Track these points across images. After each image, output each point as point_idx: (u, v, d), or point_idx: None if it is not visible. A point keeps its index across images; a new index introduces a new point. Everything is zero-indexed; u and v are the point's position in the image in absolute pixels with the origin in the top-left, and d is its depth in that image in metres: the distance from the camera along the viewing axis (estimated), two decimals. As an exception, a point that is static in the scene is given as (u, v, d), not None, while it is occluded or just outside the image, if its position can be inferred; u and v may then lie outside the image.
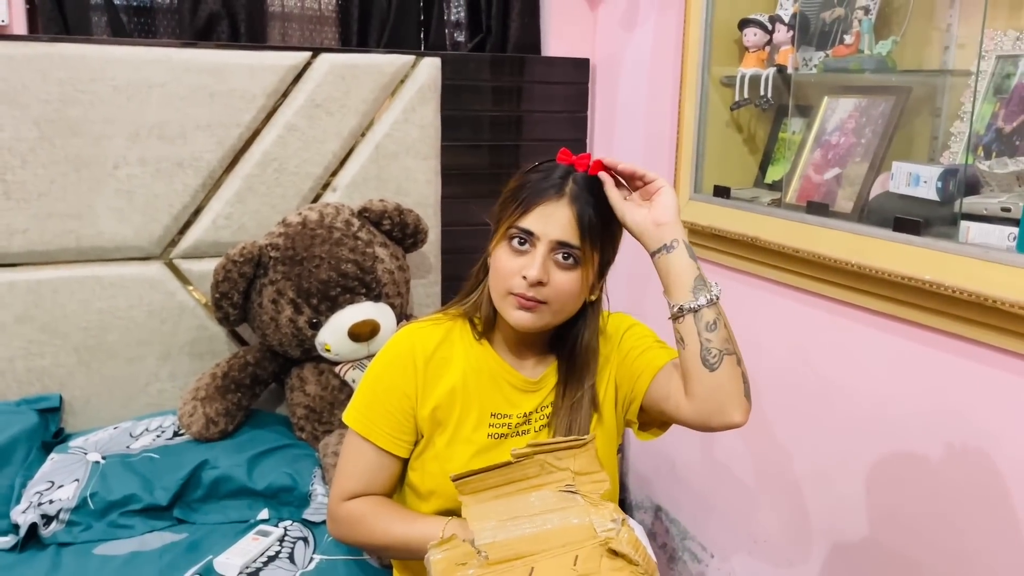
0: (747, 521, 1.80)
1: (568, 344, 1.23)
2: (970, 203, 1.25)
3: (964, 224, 1.24)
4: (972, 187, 1.27)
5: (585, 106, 2.34)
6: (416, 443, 1.22)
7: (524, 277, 1.12)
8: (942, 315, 1.29)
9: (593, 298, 1.20)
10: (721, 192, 1.77)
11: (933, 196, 1.29)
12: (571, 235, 1.12)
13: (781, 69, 1.65)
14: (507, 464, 1.04)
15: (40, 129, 1.78)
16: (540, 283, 1.12)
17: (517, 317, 1.15)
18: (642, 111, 2.12)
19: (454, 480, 1.04)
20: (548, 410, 1.23)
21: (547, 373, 1.25)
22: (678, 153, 1.85)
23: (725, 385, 1.11)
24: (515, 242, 1.14)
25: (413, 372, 1.21)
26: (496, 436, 1.21)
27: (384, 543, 1.19)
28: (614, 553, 0.99)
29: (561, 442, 1.07)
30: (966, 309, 1.24)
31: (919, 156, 1.41)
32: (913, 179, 1.32)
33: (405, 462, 1.24)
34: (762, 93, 1.69)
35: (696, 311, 1.11)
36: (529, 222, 1.13)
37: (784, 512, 1.69)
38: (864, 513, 1.49)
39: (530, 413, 1.23)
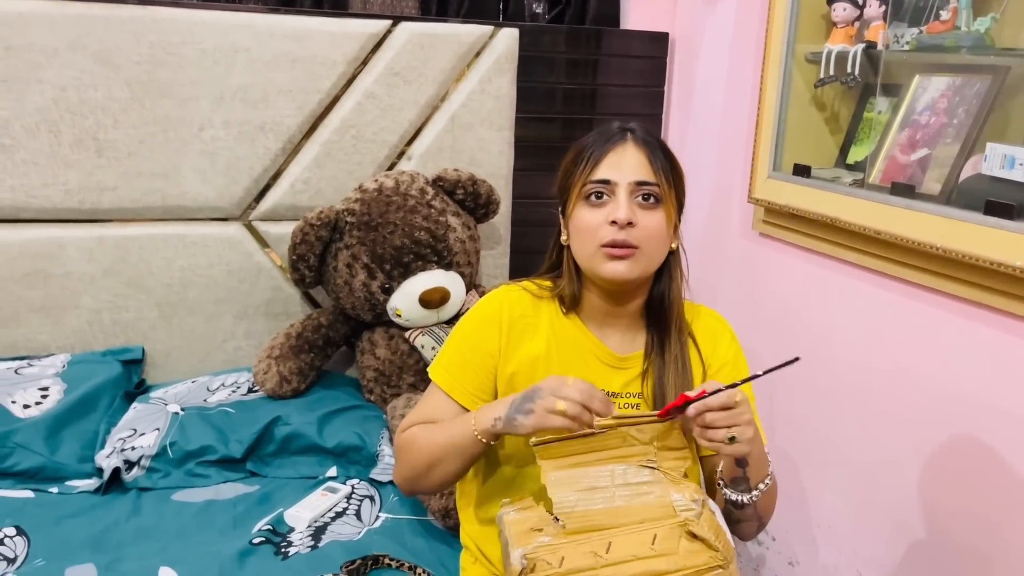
0: (811, 506, 1.78)
1: (656, 303, 1.24)
2: (1069, 188, 1.20)
3: (1062, 210, 1.20)
4: (1072, 172, 1.22)
5: (662, 81, 2.31)
6: None
7: (613, 222, 1.13)
8: (1032, 304, 1.25)
9: (674, 247, 1.22)
10: (801, 171, 1.73)
11: (1029, 180, 1.24)
12: (647, 173, 1.15)
13: (870, 46, 1.60)
14: (589, 433, 1.04)
15: (131, 90, 1.84)
16: (630, 224, 1.13)
17: (612, 270, 1.15)
18: (721, 87, 2.09)
19: (534, 445, 1.05)
20: (635, 399, 1.23)
21: (635, 355, 1.25)
22: (758, 130, 1.81)
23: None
24: (593, 197, 1.16)
25: (498, 331, 1.23)
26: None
27: (434, 454, 1.17)
28: (693, 535, 0.98)
29: (645, 416, 1.06)
30: (1059, 298, 1.20)
31: (1015, 138, 1.36)
32: (1008, 161, 1.27)
33: None
34: (848, 70, 1.64)
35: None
36: (603, 172, 1.15)
37: (851, 499, 1.66)
38: (936, 504, 1.46)
39: (616, 395, 1.23)
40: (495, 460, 1.25)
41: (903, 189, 1.46)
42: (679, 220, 1.21)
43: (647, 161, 1.15)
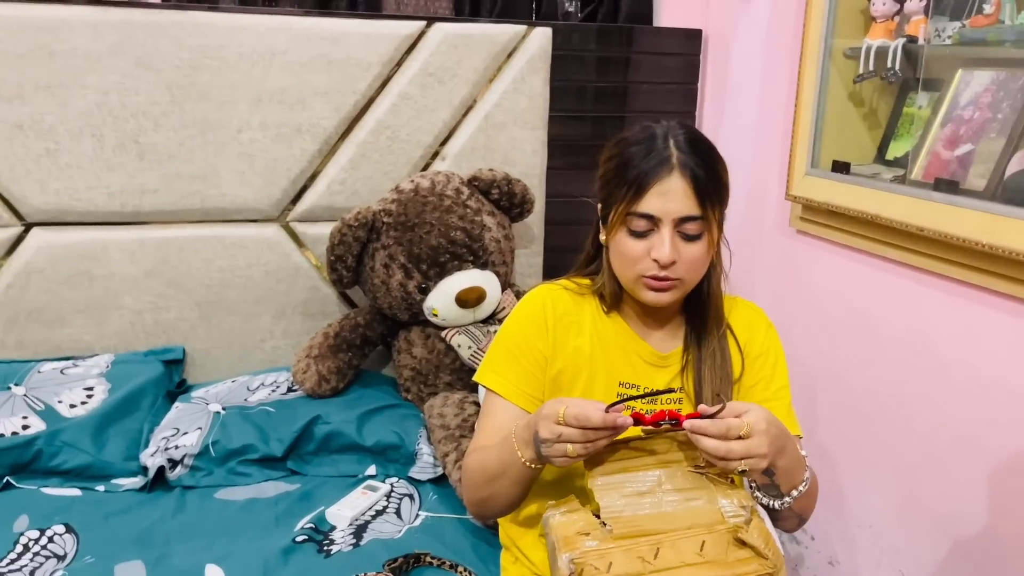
0: (852, 505, 1.77)
1: (696, 298, 1.24)
2: (1120, 183, 1.18)
3: (1112, 205, 1.18)
4: (1122, 166, 1.20)
5: (696, 78, 2.30)
6: None
7: (655, 260, 1.12)
8: (1082, 300, 1.23)
9: (716, 249, 1.21)
10: (840, 168, 1.72)
11: (1078, 175, 1.22)
12: (692, 207, 1.12)
13: (911, 40, 1.59)
14: (636, 439, 1.04)
15: (171, 94, 1.87)
16: (672, 262, 1.13)
17: (653, 298, 1.16)
18: (756, 83, 2.07)
19: None
20: (677, 395, 1.23)
21: (676, 351, 1.25)
22: (795, 127, 1.80)
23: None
24: (637, 228, 1.14)
25: (545, 329, 1.23)
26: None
27: (490, 481, 1.17)
28: (742, 543, 0.98)
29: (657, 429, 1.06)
30: (1110, 295, 1.18)
31: (1062, 133, 1.34)
32: (1056, 157, 1.25)
33: None
34: (888, 65, 1.62)
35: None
36: (647, 205, 1.12)
37: (893, 497, 1.65)
38: (981, 502, 1.44)
39: (659, 392, 1.23)
40: None
41: (946, 185, 1.45)
42: (722, 224, 1.19)
43: (693, 193, 1.11)
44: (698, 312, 1.24)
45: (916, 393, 1.58)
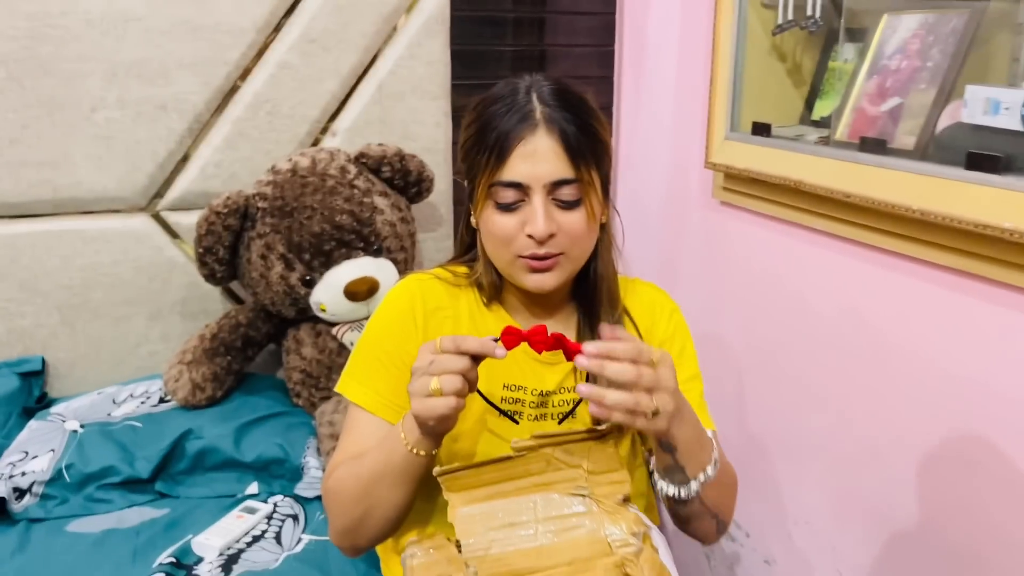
0: (788, 500, 1.62)
1: (585, 282, 1.07)
2: (1064, 134, 1.03)
3: (1056, 160, 1.03)
4: (1066, 115, 1.04)
5: (612, 39, 2.12)
6: None
7: (530, 235, 0.96)
8: (1025, 270, 1.08)
9: (604, 220, 1.05)
10: (760, 130, 1.55)
11: (1017, 126, 1.07)
12: (564, 168, 0.95)
13: (833, -16, 1.42)
14: (506, 458, 0.86)
15: (7, 69, 1.63)
16: (551, 235, 0.96)
17: (535, 282, 1.00)
18: (675, 41, 1.90)
19: (438, 475, 0.87)
20: (570, 395, 1.06)
21: None
22: (712, 86, 1.63)
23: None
24: (504, 200, 0.97)
25: (414, 327, 1.05)
26: (508, 413, 1.04)
27: (366, 488, 0.96)
28: None
29: (573, 434, 0.88)
30: (1056, 263, 1.03)
31: (998, 79, 1.18)
32: (992, 106, 1.10)
33: None
34: (808, 13, 1.46)
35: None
36: (512, 172, 0.95)
37: (831, 492, 1.50)
38: (923, 497, 1.30)
39: (549, 393, 1.06)
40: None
41: (873, 144, 1.29)
42: (607, 191, 1.03)
43: (564, 151, 0.95)
44: (590, 297, 1.07)
45: (851, 378, 1.43)
